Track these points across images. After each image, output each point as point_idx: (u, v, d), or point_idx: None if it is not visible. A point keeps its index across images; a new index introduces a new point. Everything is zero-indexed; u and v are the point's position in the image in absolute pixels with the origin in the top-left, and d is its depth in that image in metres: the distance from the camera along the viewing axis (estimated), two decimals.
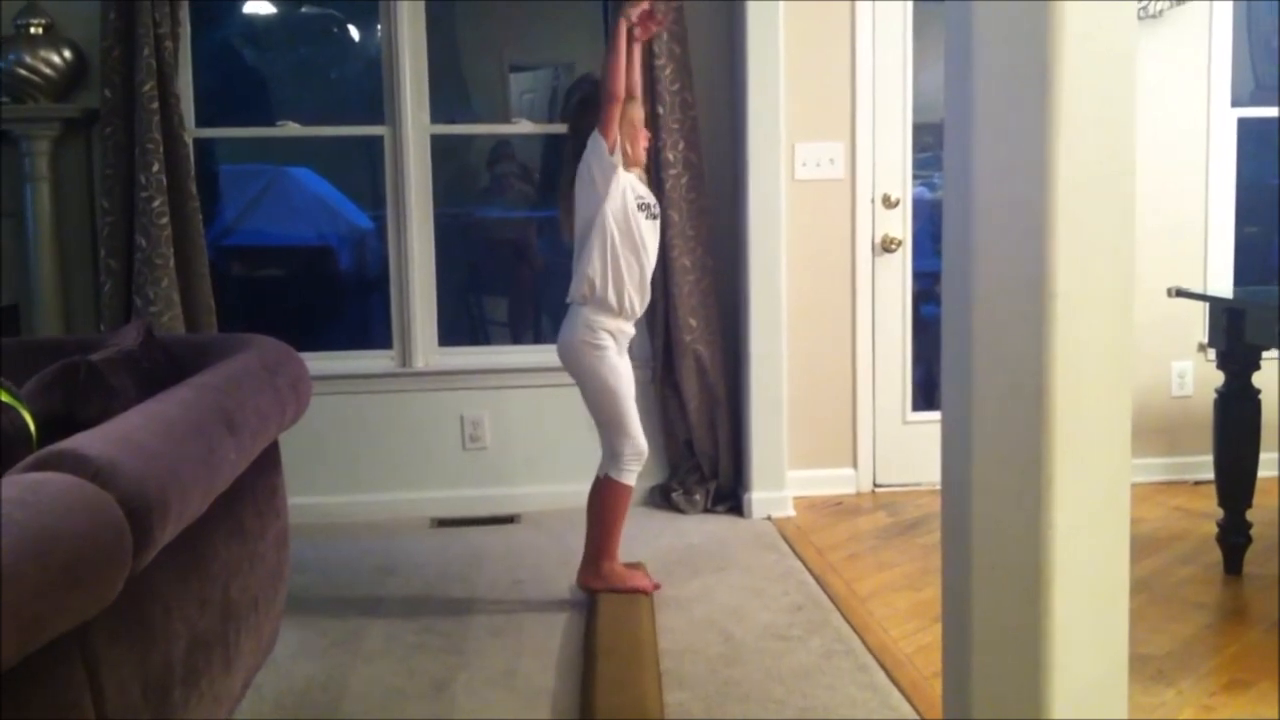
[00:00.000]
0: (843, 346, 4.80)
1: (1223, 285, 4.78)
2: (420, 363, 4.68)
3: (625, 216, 3.47)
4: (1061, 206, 1.74)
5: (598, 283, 3.48)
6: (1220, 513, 3.79)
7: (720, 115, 4.60)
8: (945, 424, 1.98)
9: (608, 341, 3.51)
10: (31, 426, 2.02)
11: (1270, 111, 4.86)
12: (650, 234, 3.53)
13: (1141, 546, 3.97)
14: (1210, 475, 3.87)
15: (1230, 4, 4.83)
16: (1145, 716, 2.79)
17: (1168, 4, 4.70)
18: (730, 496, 4.63)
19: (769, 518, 4.48)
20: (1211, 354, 3.94)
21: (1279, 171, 4.94)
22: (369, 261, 5.14)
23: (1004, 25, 1.81)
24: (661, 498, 4.67)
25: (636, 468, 3.56)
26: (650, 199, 3.57)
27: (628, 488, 3.56)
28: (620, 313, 3.52)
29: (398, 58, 4.56)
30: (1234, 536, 3.77)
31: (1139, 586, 3.44)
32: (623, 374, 3.53)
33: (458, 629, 3.41)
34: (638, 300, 3.54)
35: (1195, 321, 4.78)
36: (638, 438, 3.55)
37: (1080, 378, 1.79)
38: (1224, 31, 4.84)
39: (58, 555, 1.53)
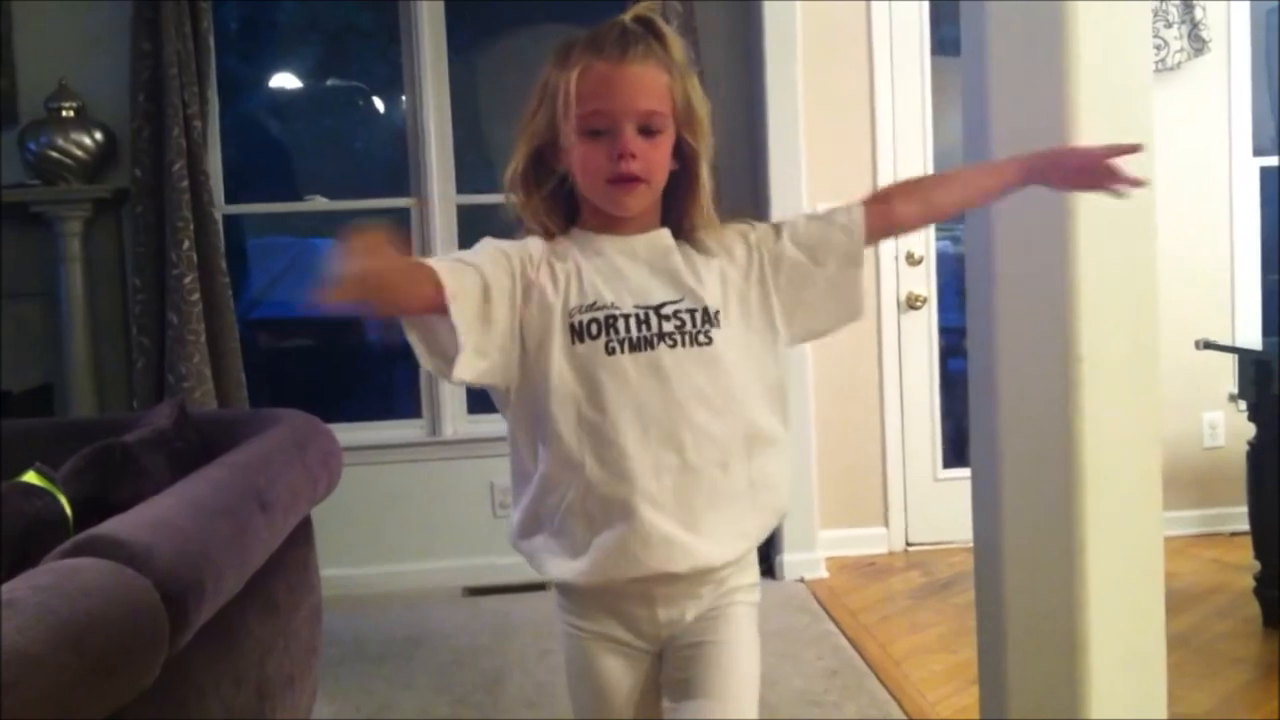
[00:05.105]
0: (870, 404, 4.79)
1: (1251, 335, 4.76)
2: (449, 431, 4.69)
3: (541, 360, 1.69)
4: (1083, 270, 1.75)
5: (514, 518, 1.89)
6: (1257, 565, 3.75)
7: (740, 171, 4.61)
8: (975, 486, 1.98)
9: (574, 616, 1.83)
10: (68, 510, 2.04)
11: None
12: (642, 377, 1.65)
13: (1177, 601, 3.91)
14: (1246, 526, 3.83)
15: (1249, 53, 4.85)
16: None
17: (1185, 56, 4.72)
18: (762, 559, 4.53)
19: (801, 579, 4.46)
20: (1243, 404, 3.92)
21: None
22: (397, 331, 5.16)
23: (1020, 78, 1.83)
24: None
25: None
26: (637, 301, 1.69)
27: None
28: (572, 588, 1.80)
29: (423, 129, 4.62)
30: (1271, 589, 3.72)
31: (1176, 642, 3.38)
32: (594, 679, 1.80)
33: (490, 700, 3.39)
34: (611, 554, 1.68)
35: (1225, 371, 4.75)
36: None
37: (1109, 437, 1.79)
38: (1243, 80, 4.85)
39: (95, 642, 1.54)
